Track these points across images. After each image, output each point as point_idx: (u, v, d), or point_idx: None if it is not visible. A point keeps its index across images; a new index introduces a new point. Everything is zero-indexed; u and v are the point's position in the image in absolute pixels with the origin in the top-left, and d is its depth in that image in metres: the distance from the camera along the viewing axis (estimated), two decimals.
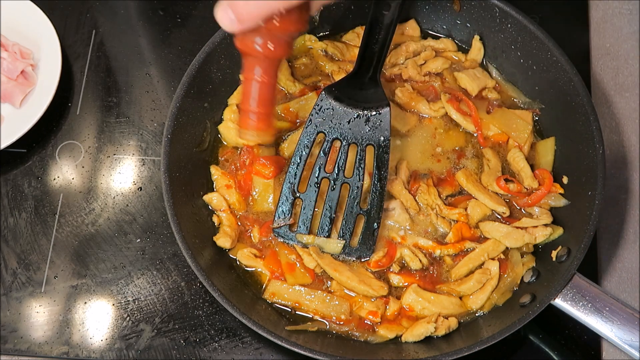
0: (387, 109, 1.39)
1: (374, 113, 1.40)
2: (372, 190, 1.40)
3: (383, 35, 1.44)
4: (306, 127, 1.41)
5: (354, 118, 1.40)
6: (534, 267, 1.45)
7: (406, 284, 1.43)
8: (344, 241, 1.42)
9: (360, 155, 1.40)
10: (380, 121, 1.39)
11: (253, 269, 1.45)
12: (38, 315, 1.49)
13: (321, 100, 1.40)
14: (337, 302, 1.41)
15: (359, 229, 1.42)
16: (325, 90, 1.41)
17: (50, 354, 1.46)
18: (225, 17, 1.09)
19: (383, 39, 1.44)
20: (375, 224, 1.41)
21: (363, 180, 1.40)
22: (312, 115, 1.41)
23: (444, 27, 1.64)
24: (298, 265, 1.43)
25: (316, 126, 1.41)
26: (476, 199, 1.47)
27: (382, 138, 1.39)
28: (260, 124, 1.24)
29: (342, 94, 1.41)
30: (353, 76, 1.44)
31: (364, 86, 1.42)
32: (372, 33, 1.44)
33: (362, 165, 1.40)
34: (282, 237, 1.44)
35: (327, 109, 1.40)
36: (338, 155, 1.40)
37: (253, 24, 1.10)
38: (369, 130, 1.40)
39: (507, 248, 1.45)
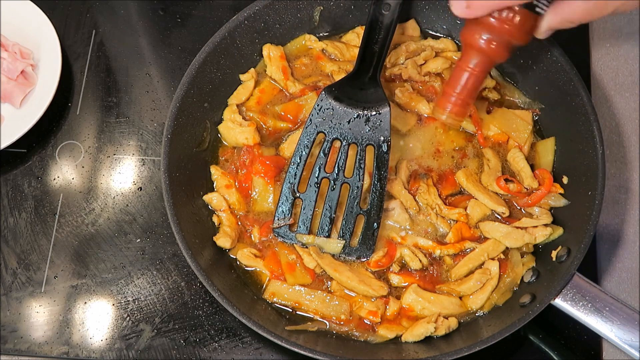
0: (387, 109, 1.39)
1: (374, 113, 1.40)
2: (372, 190, 1.40)
3: (383, 35, 1.44)
4: (306, 127, 1.41)
5: (354, 118, 1.40)
6: (534, 267, 1.45)
7: (406, 284, 1.43)
8: (344, 241, 1.42)
9: (360, 155, 1.40)
10: (380, 121, 1.39)
11: (253, 269, 1.45)
12: (38, 315, 1.49)
13: (321, 100, 1.40)
14: (337, 302, 1.41)
15: (359, 229, 1.42)
16: (325, 90, 1.41)
17: (50, 354, 1.46)
18: (459, 4, 1.22)
19: (383, 39, 1.44)
20: (375, 224, 1.41)
21: (363, 180, 1.41)
22: (312, 115, 1.41)
23: (444, 27, 1.63)
24: (298, 265, 1.43)
25: (316, 126, 1.41)
26: (476, 198, 1.47)
27: (382, 138, 1.39)
28: (457, 108, 1.32)
29: (342, 94, 1.41)
30: (353, 76, 1.44)
31: (364, 86, 1.42)
32: (372, 33, 1.44)
33: (362, 165, 1.40)
34: (282, 237, 1.44)
35: (327, 109, 1.41)
36: (338, 155, 1.41)
37: (482, 12, 1.22)
38: (369, 130, 1.40)
39: (507, 248, 1.45)
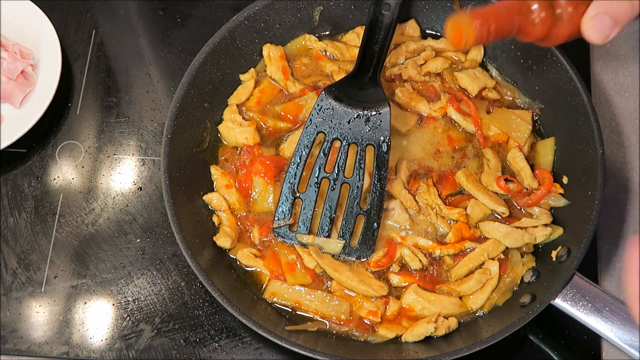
0: (387, 109, 1.39)
1: (373, 113, 1.40)
2: (372, 190, 1.40)
3: (383, 35, 1.44)
4: (306, 127, 1.41)
5: (354, 118, 1.40)
6: (534, 267, 1.45)
7: (406, 284, 1.43)
8: (344, 241, 1.42)
9: (360, 155, 1.40)
10: (380, 121, 1.39)
11: (253, 269, 1.45)
12: (38, 315, 1.49)
13: (321, 100, 1.40)
14: (337, 302, 1.41)
15: (359, 229, 1.42)
16: (325, 90, 1.41)
17: (50, 354, 1.46)
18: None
19: (383, 39, 1.44)
20: (375, 224, 1.41)
21: (363, 180, 1.41)
22: (312, 115, 1.41)
23: (444, 27, 1.63)
24: (298, 265, 1.43)
25: (316, 126, 1.41)
26: (476, 198, 1.47)
27: (382, 138, 1.39)
28: (483, 28, 1.17)
29: (342, 94, 1.41)
30: (353, 76, 1.44)
31: (364, 86, 1.42)
32: (372, 33, 1.44)
33: (362, 165, 1.40)
34: (282, 237, 1.44)
35: (327, 109, 1.41)
36: (338, 155, 1.41)
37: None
38: (369, 130, 1.40)
39: (507, 248, 1.45)
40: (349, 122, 1.40)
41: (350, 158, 1.41)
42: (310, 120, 1.41)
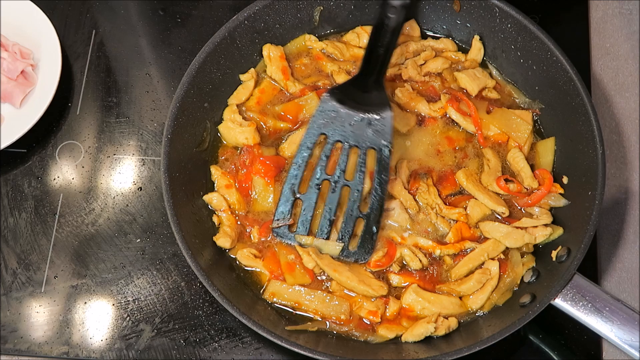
0: (390, 113, 1.39)
1: (376, 117, 1.39)
2: (372, 194, 1.40)
3: (389, 39, 1.44)
4: (308, 129, 1.41)
5: (356, 121, 1.40)
6: (534, 267, 1.45)
7: (406, 284, 1.43)
8: (343, 244, 1.42)
9: (361, 158, 1.40)
10: (383, 125, 1.39)
11: (253, 269, 1.45)
12: (38, 315, 1.49)
13: (324, 102, 1.40)
14: (337, 302, 1.41)
15: (358, 232, 1.42)
16: (328, 92, 1.41)
17: (50, 354, 1.46)
18: None
19: (388, 42, 1.43)
20: (375, 227, 1.41)
21: (363, 184, 1.40)
22: (314, 116, 1.41)
23: (444, 27, 1.64)
24: (297, 265, 1.43)
25: (318, 128, 1.41)
26: (476, 198, 1.47)
27: (383, 142, 1.39)
28: None
29: (346, 96, 1.41)
30: (357, 79, 1.43)
31: (368, 89, 1.42)
32: (378, 36, 1.44)
33: (363, 169, 1.40)
34: (281, 237, 1.44)
35: (329, 111, 1.40)
36: (339, 158, 1.40)
37: None
38: (371, 134, 1.40)
39: (507, 248, 1.45)
40: (351, 124, 1.40)
41: (352, 161, 1.40)
42: (313, 121, 1.40)
